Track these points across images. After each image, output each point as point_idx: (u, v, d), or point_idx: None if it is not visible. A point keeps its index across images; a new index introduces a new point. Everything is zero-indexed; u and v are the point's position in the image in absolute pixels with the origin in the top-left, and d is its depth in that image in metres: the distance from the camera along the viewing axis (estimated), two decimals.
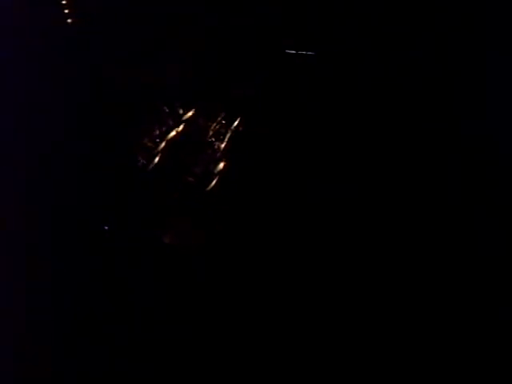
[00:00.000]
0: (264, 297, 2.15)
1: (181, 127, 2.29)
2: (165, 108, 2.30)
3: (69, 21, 2.24)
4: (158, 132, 2.29)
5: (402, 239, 2.15)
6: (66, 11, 2.29)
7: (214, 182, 2.26)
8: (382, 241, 2.15)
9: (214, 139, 2.29)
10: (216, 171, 2.27)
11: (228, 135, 2.28)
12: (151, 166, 2.28)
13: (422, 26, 2.24)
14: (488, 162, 2.16)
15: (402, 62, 2.26)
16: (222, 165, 2.27)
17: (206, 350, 2.11)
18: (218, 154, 2.28)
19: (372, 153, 2.20)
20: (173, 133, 2.29)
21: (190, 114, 2.29)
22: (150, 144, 2.28)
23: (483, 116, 2.19)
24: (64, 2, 2.28)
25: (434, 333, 2.04)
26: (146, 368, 2.10)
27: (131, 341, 2.14)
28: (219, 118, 2.29)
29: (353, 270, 2.14)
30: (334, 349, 2.07)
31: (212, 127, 2.29)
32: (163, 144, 2.28)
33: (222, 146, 2.28)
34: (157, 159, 2.28)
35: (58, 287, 2.19)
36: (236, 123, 2.29)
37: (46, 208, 2.27)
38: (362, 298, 2.11)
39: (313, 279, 2.15)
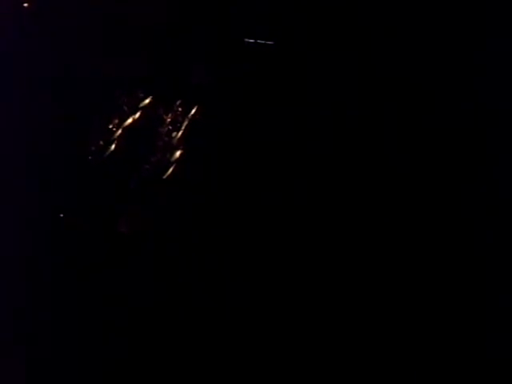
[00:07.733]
0: (218, 287, 2.15)
1: (137, 114, 2.28)
2: (122, 95, 2.29)
3: (25, 5, 2.22)
4: (114, 119, 2.27)
5: (387, 235, 2.11)
6: None
7: (170, 170, 2.25)
8: (359, 236, 2.13)
9: (170, 127, 2.28)
10: (172, 159, 2.26)
11: (185, 124, 2.28)
12: (107, 153, 2.26)
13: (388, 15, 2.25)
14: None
15: (364, 53, 2.26)
16: (178, 153, 2.26)
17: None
18: (175, 143, 2.27)
19: (326, 141, 2.21)
20: (129, 120, 2.27)
21: (146, 101, 2.29)
22: (106, 131, 2.27)
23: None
24: None
25: (430, 332, 2.01)
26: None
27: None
28: (176, 107, 2.29)
29: (319, 261, 2.13)
30: (324, 349, 2.04)
31: (169, 115, 2.28)
32: (120, 131, 2.27)
33: (179, 134, 2.27)
34: (113, 146, 2.27)
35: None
36: (193, 112, 2.28)
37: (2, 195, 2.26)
38: (342, 295, 2.08)
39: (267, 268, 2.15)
